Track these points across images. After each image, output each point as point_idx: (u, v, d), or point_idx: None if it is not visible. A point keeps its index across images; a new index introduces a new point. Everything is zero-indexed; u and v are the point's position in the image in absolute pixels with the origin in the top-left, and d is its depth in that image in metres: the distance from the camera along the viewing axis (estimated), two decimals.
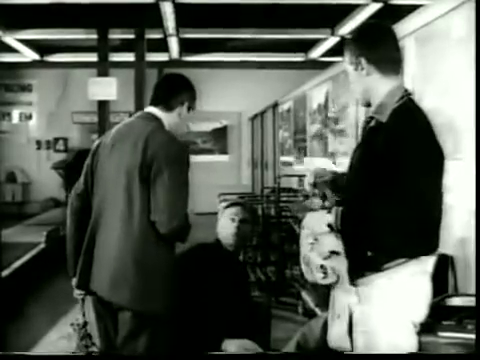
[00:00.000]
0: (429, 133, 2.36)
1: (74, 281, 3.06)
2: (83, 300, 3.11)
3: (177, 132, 2.98)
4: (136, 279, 2.75)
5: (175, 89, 2.99)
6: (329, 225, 2.38)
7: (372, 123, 2.48)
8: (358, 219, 2.36)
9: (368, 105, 2.51)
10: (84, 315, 3.16)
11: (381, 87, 2.42)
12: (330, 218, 2.38)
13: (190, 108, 3.01)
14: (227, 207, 3.59)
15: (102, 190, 2.91)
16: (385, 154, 2.27)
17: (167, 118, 2.94)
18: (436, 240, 2.34)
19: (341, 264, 2.37)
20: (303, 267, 2.48)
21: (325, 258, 2.38)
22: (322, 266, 2.39)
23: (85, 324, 3.16)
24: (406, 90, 2.44)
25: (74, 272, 3.02)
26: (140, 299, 2.76)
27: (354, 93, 2.54)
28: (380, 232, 2.27)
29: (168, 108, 2.95)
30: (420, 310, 2.40)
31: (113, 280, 2.79)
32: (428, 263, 2.39)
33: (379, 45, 2.43)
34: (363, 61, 2.42)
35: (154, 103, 2.97)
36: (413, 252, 2.32)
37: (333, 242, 2.37)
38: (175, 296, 2.85)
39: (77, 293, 3.09)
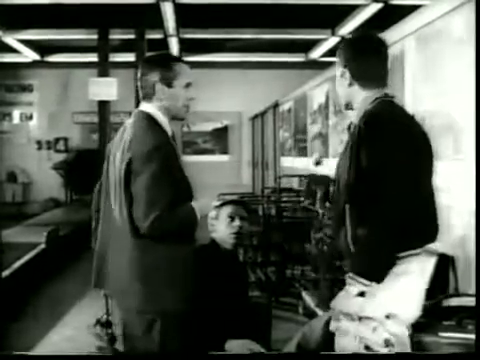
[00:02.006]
0: (395, 132, 2.41)
1: None
2: (106, 296, 3.04)
3: (177, 114, 2.91)
4: (139, 281, 2.73)
5: (143, 75, 2.89)
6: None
7: (352, 128, 2.56)
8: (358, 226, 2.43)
9: (348, 108, 2.63)
10: (108, 313, 3.09)
11: (360, 97, 2.56)
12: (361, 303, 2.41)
13: (169, 83, 2.85)
14: (222, 205, 3.53)
15: (107, 193, 2.93)
16: (358, 156, 2.38)
17: (156, 107, 2.87)
18: (428, 232, 2.45)
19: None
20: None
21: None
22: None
23: (109, 324, 3.09)
24: (385, 94, 2.53)
25: None
26: (145, 300, 2.73)
27: (338, 95, 2.67)
28: (373, 232, 2.36)
29: (148, 97, 2.89)
30: (411, 308, 2.43)
31: (120, 283, 2.79)
32: (420, 261, 2.46)
33: (363, 59, 2.56)
34: (347, 72, 2.57)
35: (141, 98, 2.94)
36: (406, 246, 2.40)
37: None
38: (184, 295, 2.81)
39: None
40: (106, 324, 3.11)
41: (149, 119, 2.85)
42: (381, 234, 2.35)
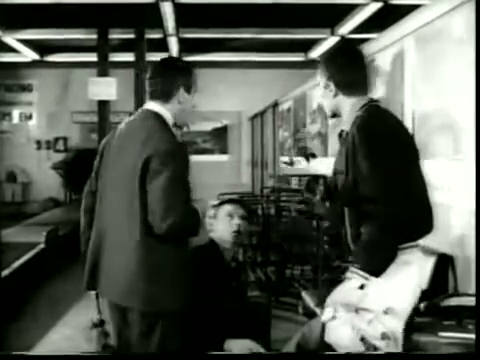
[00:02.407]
0: (387, 135, 2.55)
1: None
2: (98, 295, 3.01)
3: (182, 120, 2.92)
4: (143, 281, 2.71)
5: (166, 76, 2.85)
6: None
7: (344, 135, 2.70)
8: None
9: (334, 116, 2.78)
10: (100, 312, 3.10)
11: (347, 105, 2.70)
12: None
13: (189, 89, 2.88)
14: (220, 204, 3.51)
15: (106, 191, 2.89)
16: (355, 161, 2.52)
17: (168, 109, 2.84)
18: (424, 225, 2.56)
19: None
20: (363, 348, 2.50)
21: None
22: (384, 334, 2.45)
23: (102, 322, 3.10)
24: (371, 100, 2.69)
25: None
26: (149, 300, 2.73)
27: (324, 106, 2.82)
28: (371, 231, 2.47)
29: (165, 99, 2.84)
30: (408, 301, 2.49)
31: (120, 283, 2.76)
32: (420, 257, 2.54)
33: (347, 71, 2.71)
34: (332, 84, 2.71)
35: (151, 97, 2.88)
36: (404, 240, 2.50)
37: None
38: (186, 294, 2.80)
39: None
40: (100, 323, 3.13)
41: (160, 119, 2.83)
42: (380, 231, 2.44)
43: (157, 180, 2.66)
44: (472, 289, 3.17)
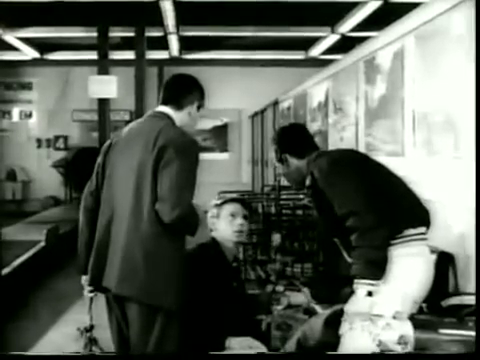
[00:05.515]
0: (335, 162, 2.91)
1: (84, 278, 3.05)
2: (92, 300, 3.06)
3: (186, 129, 3.05)
4: (145, 271, 2.75)
5: (186, 89, 3.07)
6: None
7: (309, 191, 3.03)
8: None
9: (300, 186, 3.11)
10: (91, 318, 3.13)
11: (304, 165, 3.04)
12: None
13: (199, 107, 3.11)
14: (222, 204, 3.52)
15: (113, 188, 2.94)
16: (318, 191, 2.83)
17: (178, 116, 3.01)
18: (412, 216, 2.73)
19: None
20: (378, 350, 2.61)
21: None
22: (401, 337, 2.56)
23: (91, 328, 3.13)
24: (317, 152, 3.06)
25: (84, 269, 3.01)
26: (149, 291, 2.76)
27: (287, 179, 3.20)
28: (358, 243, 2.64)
29: (179, 107, 3.03)
30: (409, 299, 2.58)
31: (122, 273, 2.79)
32: (415, 247, 2.63)
33: (296, 143, 3.10)
34: (287, 157, 3.09)
35: (165, 102, 3.04)
36: (394, 234, 2.64)
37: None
38: (184, 291, 2.82)
39: (87, 290, 3.06)
40: (90, 329, 3.17)
41: (171, 120, 2.99)
42: (363, 238, 2.60)
43: (171, 168, 2.76)
44: (472, 287, 3.17)
